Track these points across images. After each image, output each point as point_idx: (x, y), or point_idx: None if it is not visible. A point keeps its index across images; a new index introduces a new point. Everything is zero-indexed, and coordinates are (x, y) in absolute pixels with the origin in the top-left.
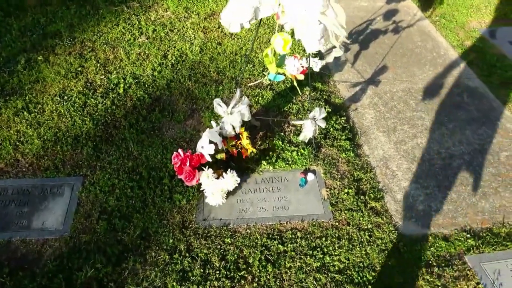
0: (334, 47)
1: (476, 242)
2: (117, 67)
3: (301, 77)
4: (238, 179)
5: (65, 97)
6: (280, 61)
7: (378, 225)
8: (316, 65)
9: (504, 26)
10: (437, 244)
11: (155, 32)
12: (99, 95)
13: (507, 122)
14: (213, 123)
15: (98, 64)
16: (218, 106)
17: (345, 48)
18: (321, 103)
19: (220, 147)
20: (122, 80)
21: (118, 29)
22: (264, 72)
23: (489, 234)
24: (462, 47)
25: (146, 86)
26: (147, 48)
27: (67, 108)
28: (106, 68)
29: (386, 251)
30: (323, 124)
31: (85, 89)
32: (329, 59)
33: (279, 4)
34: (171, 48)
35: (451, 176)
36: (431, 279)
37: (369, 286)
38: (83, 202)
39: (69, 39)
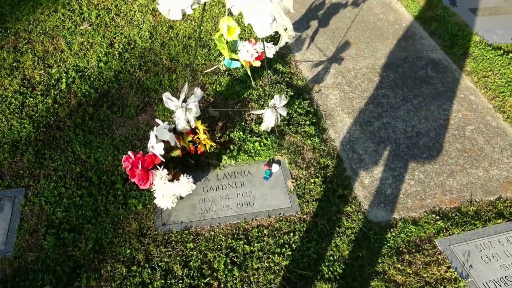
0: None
1: (445, 223)
2: (58, 60)
3: (257, 63)
4: (194, 186)
5: None
6: (233, 47)
7: (347, 214)
8: (269, 51)
9: None
10: (407, 229)
11: (99, 18)
12: (39, 93)
13: (471, 94)
14: (157, 120)
15: (36, 58)
16: (169, 100)
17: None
18: (282, 86)
19: (173, 144)
20: (64, 74)
21: (57, 16)
22: (220, 57)
23: (458, 214)
24: (424, 17)
25: (92, 79)
26: (90, 37)
27: (2, 110)
28: (46, 62)
29: (356, 241)
30: (284, 112)
31: (22, 87)
32: (281, 43)
33: None
34: (118, 35)
35: (418, 155)
36: (402, 267)
37: (339, 280)
38: (27, 216)
39: (0, 31)
